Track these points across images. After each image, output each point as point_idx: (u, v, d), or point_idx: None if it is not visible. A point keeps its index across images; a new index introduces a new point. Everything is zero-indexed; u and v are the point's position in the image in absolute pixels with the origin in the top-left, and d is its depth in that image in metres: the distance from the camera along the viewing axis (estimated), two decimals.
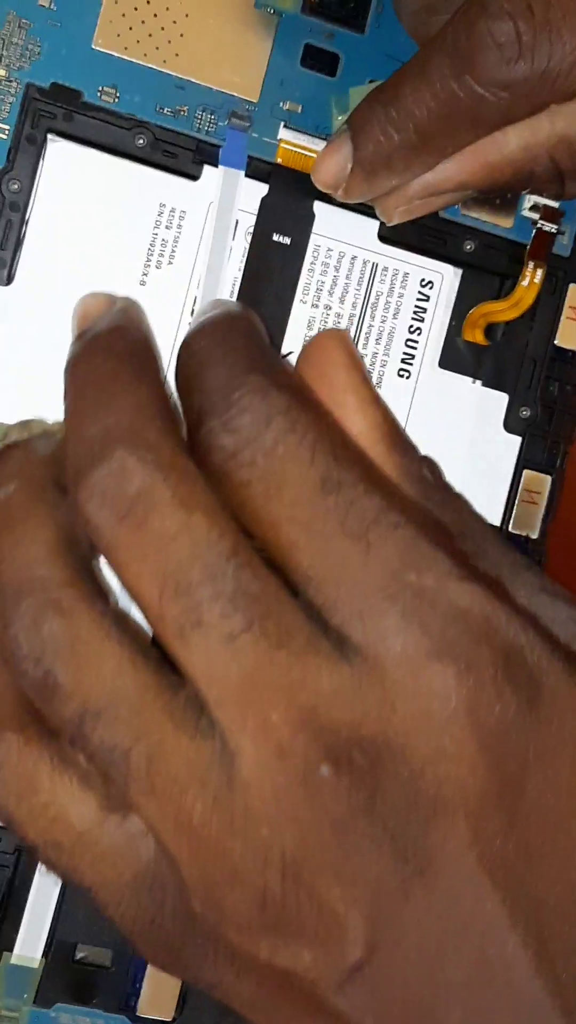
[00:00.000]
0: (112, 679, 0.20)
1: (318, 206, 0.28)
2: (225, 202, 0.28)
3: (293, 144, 0.28)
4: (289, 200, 0.28)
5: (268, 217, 0.28)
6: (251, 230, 0.28)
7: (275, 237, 0.28)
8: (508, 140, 0.24)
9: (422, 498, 0.21)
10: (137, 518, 0.19)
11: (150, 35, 0.27)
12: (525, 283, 0.29)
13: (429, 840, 0.19)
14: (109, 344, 0.22)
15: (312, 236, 0.28)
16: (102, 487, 0.19)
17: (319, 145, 0.28)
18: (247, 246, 0.28)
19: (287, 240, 0.28)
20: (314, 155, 0.28)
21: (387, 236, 0.28)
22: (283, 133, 0.28)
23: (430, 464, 0.24)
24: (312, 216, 0.28)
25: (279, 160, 0.28)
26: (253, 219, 0.28)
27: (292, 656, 0.19)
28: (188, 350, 0.22)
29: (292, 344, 0.29)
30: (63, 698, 0.20)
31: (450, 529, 0.20)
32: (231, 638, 0.19)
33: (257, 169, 0.28)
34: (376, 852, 0.19)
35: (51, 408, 0.25)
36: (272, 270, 0.28)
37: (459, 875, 0.20)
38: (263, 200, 0.28)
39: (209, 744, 0.19)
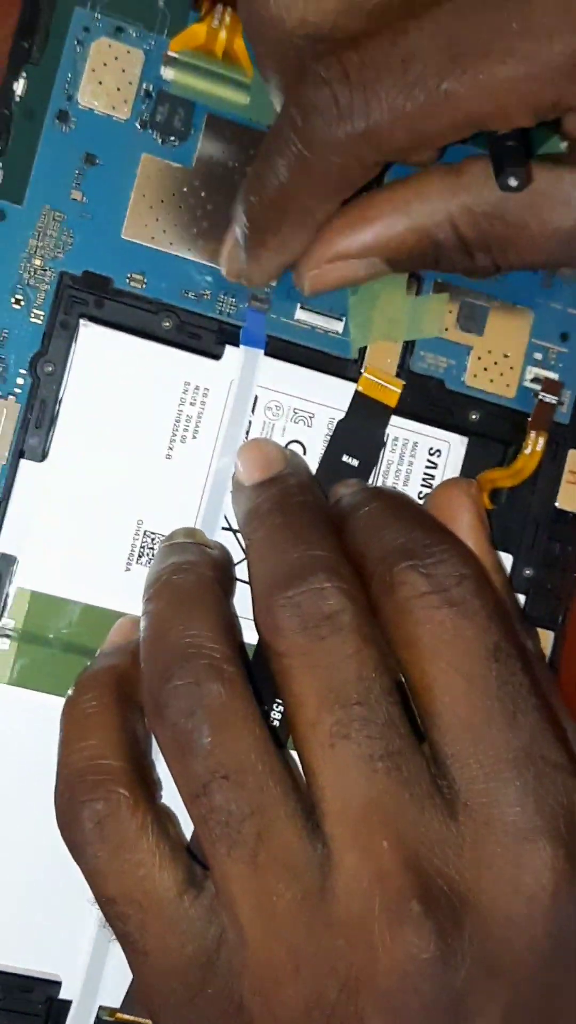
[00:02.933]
0: (248, 752, 0.22)
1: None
2: (245, 379, 0.29)
3: (375, 375, 0.30)
4: (364, 426, 0.30)
5: (340, 440, 0.30)
6: (271, 406, 0.29)
7: (344, 458, 0.30)
8: (409, 208, 0.26)
9: None
10: (321, 633, 0.22)
11: (175, 225, 0.29)
12: (528, 451, 0.30)
13: (471, 999, 0.21)
14: (303, 493, 0.25)
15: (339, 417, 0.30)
16: (298, 600, 0.22)
17: (385, 369, 0.30)
18: (282, 425, 0.30)
19: (355, 463, 0.30)
20: (394, 387, 0.30)
21: (398, 409, 0.30)
22: (299, 314, 0.30)
23: (534, 636, 0.27)
24: (383, 442, 0.30)
25: (360, 388, 0.30)
26: (271, 394, 0.29)
27: (414, 798, 0.21)
28: (386, 494, 0.25)
29: None
30: (202, 755, 0.22)
31: (561, 722, 0.23)
32: (370, 760, 0.21)
33: (275, 347, 0.30)
34: (431, 995, 0.20)
35: (86, 580, 0.27)
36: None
37: None
38: (338, 424, 0.30)
39: (315, 847, 0.21)
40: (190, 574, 0.25)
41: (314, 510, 0.25)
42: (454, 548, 0.24)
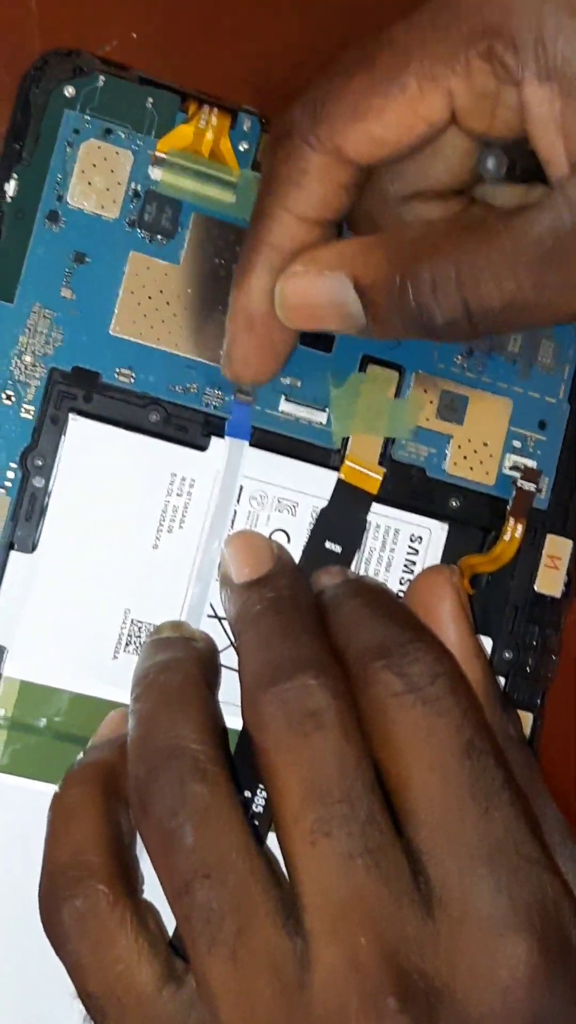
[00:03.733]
0: (230, 851, 0.23)
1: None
2: (231, 469, 0.30)
3: (356, 463, 0.30)
4: (346, 513, 0.30)
5: (323, 527, 0.30)
6: (259, 501, 0.30)
7: (327, 544, 0.30)
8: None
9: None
10: (305, 730, 0.23)
11: (163, 321, 0.30)
12: (507, 537, 0.31)
13: None
14: (293, 594, 0.26)
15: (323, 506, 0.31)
16: (284, 696, 0.23)
17: (367, 458, 0.31)
18: (262, 518, 0.30)
19: (338, 548, 0.30)
20: (375, 475, 0.31)
21: (380, 496, 0.31)
22: (284, 405, 0.30)
23: (515, 719, 0.28)
24: (366, 527, 0.31)
25: (342, 476, 0.31)
26: (256, 484, 0.30)
27: (392, 895, 0.22)
28: (366, 589, 0.26)
29: None
30: (184, 853, 0.23)
31: (535, 813, 0.23)
32: (350, 857, 0.22)
33: (260, 438, 0.30)
34: None
35: (75, 668, 0.28)
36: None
37: None
38: (321, 511, 0.30)
39: (293, 942, 0.22)
40: (176, 672, 0.26)
41: (303, 609, 0.26)
42: (429, 646, 0.24)
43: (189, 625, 0.29)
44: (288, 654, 0.24)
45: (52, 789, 0.26)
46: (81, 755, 0.28)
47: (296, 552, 0.30)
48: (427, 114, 0.24)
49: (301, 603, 0.26)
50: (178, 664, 0.26)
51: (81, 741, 0.29)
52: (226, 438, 0.30)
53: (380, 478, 0.31)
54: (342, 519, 0.31)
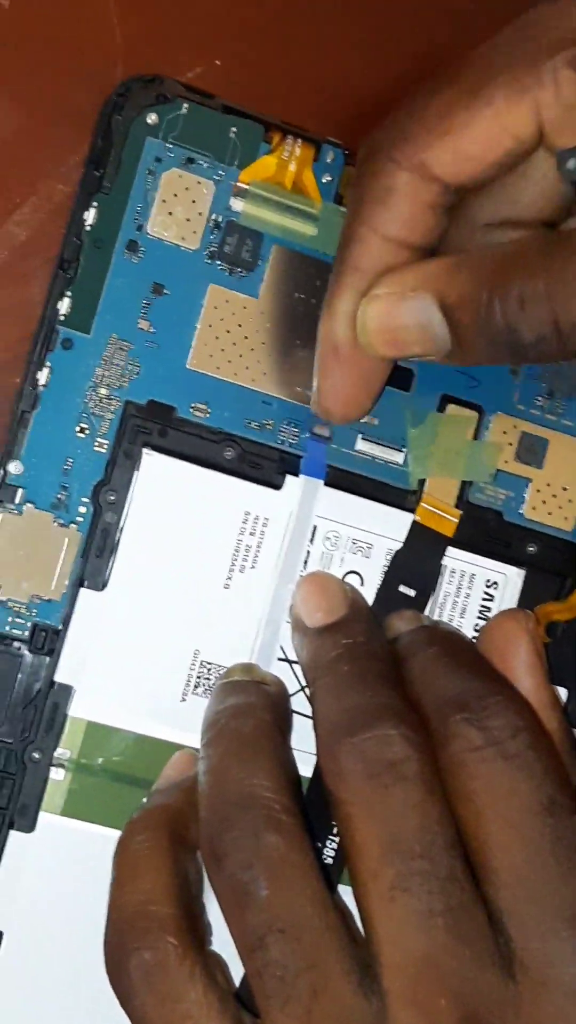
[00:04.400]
0: (305, 905, 0.22)
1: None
2: (304, 509, 0.29)
3: (432, 505, 0.29)
4: (420, 556, 0.30)
5: (397, 570, 0.30)
6: (330, 537, 0.29)
7: (401, 588, 0.29)
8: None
9: None
10: (385, 782, 0.22)
11: (240, 355, 0.29)
12: None
13: None
14: (368, 641, 0.25)
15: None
16: (363, 747, 0.22)
17: (443, 500, 0.30)
18: (338, 553, 0.30)
19: (412, 592, 0.29)
20: (451, 517, 0.30)
21: (456, 540, 0.30)
22: (360, 444, 0.30)
23: None
24: (439, 572, 0.30)
25: (417, 518, 0.30)
26: (330, 524, 0.29)
27: (472, 955, 0.21)
28: (443, 636, 0.25)
29: None
30: (258, 907, 0.22)
31: None
32: (430, 915, 0.21)
33: (335, 477, 0.30)
34: None
35: (142, 710, 0.27)
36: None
37: None
38: (396, 553, 0.30)
39: (370, 1001, 0.21)
40: (248, 718, 0.25)
41: (379, 658, 0.25)
42: (509, 699, 0.24)
43: (260, 668, 0.28)
44: (366, 703, 0.23)
45: (115, 834, 0.26)
46: (146, 799, 0.27)
47: (369, 595, 0.29)
48: (514, 128, 0.23)
49: (376, 650, 0.26)
50: (250, 709, 0.25)
51: (146, 784, 0.28)
52: (301, 476, 0.29)
53: (456, 521, 0.30)
54: (417, 562, 0.30)
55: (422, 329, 0.25)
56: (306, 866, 0.23)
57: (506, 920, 0.22)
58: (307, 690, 0.26)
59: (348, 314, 0.26)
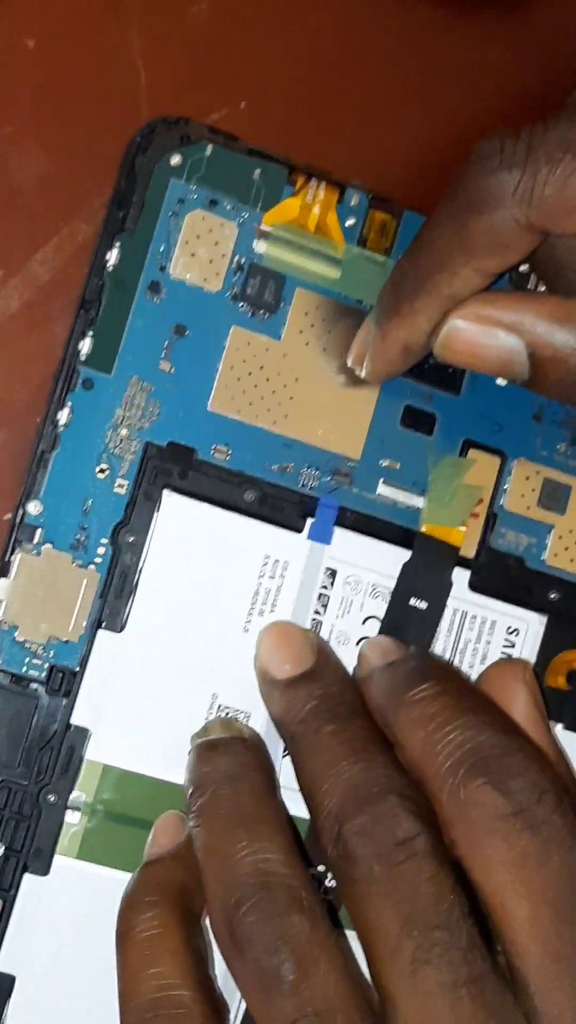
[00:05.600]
0: (337, 986, 0.21)
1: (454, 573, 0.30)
2: (310, 571, 0.29)
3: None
4: (430, 568, 0.29)
5: (407, 582, 0.29)
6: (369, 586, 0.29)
7: (412, 601, 0.29)
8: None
9: None
10: (397, 859, 0.22)
11: (262, 398, 0.29)
12: None
13: None
14: (343, 692, 0.25)
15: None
16: (370, 827, 0.22)
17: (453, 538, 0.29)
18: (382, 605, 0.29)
19: (423, 605, 0.29)
20: (460, 527, 0.29)
21: (477, 586, 0.30)
22: (381, 489, 0.29)
23: None
24: (450, 584, 0.29)
25: (424, 528, 0.29)
26: (350, 568, 0.29)
27: None
28: (443, 680, 0.24)
29: None
30: (288, 993, 0.21)
31: None
32: (454, 987, 0.21)
33: (356, 522, 0.29)
34: None
35: (158, 753, 0.27)
36: (407, 632, 0.29)
37: None
38: (405, 565, 0.29)
39: None
40: (241, 782, 0.24)
41: (361, 714, 0.24)
42: (530, 756, 0.23)
43: (236, 721, 0.27)
44: (364, 778, 0.23)
45: (127, 877, 0.25)
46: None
47: (382, 614, 0.29)
48: None
49: (351, 700, 0.25)
50: (242, 772, 0.25)
51: None
52: (307, 540, 0.29)
53: (464, 530, 0.30)
54: (427, 573, 0.29)
55: (505, 364, 0.25)
56: (330, 944, 0.22)
57: (532, 990, 0.21)
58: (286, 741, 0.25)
59: (426, 331, 0.26)
